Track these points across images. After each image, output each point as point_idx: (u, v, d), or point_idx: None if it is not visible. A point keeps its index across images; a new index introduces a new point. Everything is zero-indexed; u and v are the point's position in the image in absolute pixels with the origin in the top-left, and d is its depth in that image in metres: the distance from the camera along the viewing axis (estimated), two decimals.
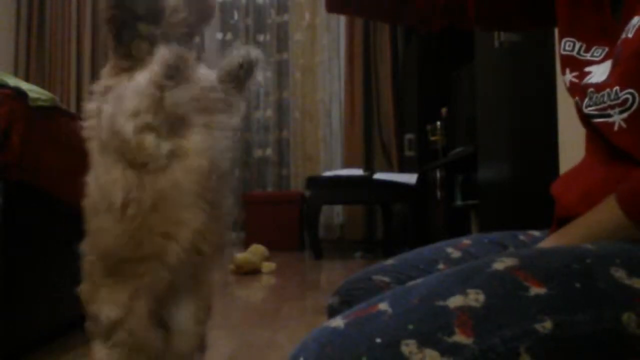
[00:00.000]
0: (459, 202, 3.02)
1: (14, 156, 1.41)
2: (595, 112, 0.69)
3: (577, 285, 0.50)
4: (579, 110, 0.73)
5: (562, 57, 0.77)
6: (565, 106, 1.72)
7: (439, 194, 3.25)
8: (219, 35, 5.04)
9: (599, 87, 0.68)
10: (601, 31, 0.73)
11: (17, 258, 1.47)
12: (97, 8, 4.91)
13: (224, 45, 5.06)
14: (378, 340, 0.47)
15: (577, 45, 0.75)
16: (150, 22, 0.76)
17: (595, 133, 0.71)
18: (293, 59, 5.00)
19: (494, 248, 0.84)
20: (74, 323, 1.79)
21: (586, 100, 0.70)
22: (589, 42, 0.74)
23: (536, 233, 0.88)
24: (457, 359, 0.46)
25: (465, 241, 0.86)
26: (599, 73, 0.70)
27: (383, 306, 0.51)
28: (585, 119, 0.72)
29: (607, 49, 0.71)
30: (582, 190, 0.71)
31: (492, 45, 2.14)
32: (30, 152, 1.46)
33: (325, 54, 4.95)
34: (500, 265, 0.53)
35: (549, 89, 1.81)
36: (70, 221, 1.76)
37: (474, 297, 0.49)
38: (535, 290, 0.50)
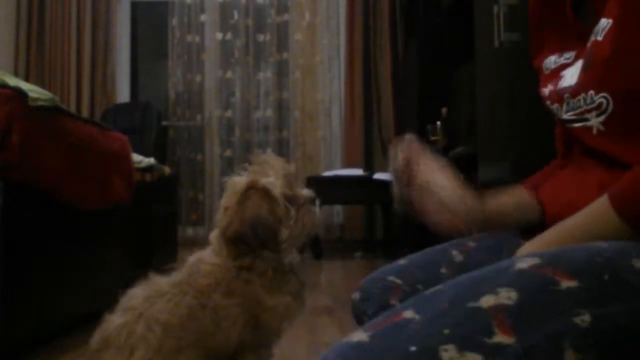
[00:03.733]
0: None
1: (14, 156, 1.41)
2: (574, 117, 0.69)
3: (606, 277, 0.49)
4: (559, 118, 0.74)
5: (546, 75, 0.78)
6: None
7: None
8: (219, 35, 5.04)
9: (573, 92, 0.68)
10: (568, 35, 0.75)
11: (17, 258, 1.47)
12: (97, 8, 4.91)
13: (224, 45, 5.06)
14: (413, 348, 0.45)
15: (554, 57, 0.77)
16: (269, 248, 0.92)
17: (576, 139, 0.72)
18: (293, 59, 5.00)
19: (496, 252, 0.84)
20: (73, 323, 1.79)
21: (564, 106, 0.71)
22: (562, 49, 0.76)
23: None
24: None
25: (470, 243, 0.86)
26: (569, 75, 0.71)
27: (409, 314, 0.49)
28: (565, 126, 0.73)
29: (576, 51, 0.72)
30: (568, 199, 0.71)
31: (492, 45, 2.13)
32: (30, 152, 1.45)
33: (325, 54, 4.95)
34: (523, 264, 0.51)
35: None
36: (70, 221, 1.76)
37: (506, 295, 0.48)
38: (567, 283, 0.49)
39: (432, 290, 0.53)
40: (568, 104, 0.70)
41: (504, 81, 2.21)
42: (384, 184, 3.81)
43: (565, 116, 0.71)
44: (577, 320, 0.46)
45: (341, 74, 4.93)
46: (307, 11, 4.97)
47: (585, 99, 0.66)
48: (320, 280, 3.07)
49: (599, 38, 0.64)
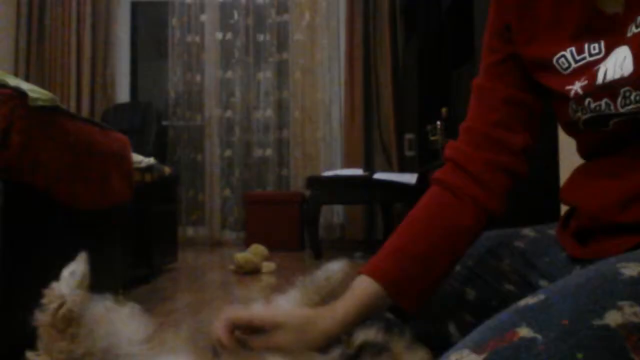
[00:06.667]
0: None
1: (14, 156, 1.41)
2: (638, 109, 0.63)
3: None
4: (605, 114, 0.67)
5: (566, 75, 0.71)
6: None
7: None
8: (219, 35, 5.04)
9: (636, 83, 0.63)
10: (585, 27, 0.69)
11: (17, 258, 1.47)
12: (97, 8, 4.91)
13: (224, 45, 5.06)
14: None
15: (569, 53, 0.70)
16: None
17: (628, 132, 0.66)
18: (293, 59, 5.00)
19: (491, 260, 0.83)
20: None
21: (619, 100, 0.65)
22: (578, 43, 0.69)
23: (531, 234, 0.87)
24: None
25: None
26: (611, 68, 0.65)
27: (525, 332, 0.44)
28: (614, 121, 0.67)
29: (602, 42, 0.67)
30: (624, 194, 0.66)
31: None
32: (30, 152, 1.45)
33: (325, 54, 4.95)
34: (629, 270, 0.47)
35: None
36: (70, 221, 1.76)
37: (631, 311, 0.43)
38: None
39: (536, 300, 0.47)
40: (626, 97, 0.64)
41: None
42: (384, 184, 3.82)
43: (623, 110, 0.65)
44: None
45: (341, 74, 4.93)
46: (307, 11, 4.97)
47: None
48: None
49: None
